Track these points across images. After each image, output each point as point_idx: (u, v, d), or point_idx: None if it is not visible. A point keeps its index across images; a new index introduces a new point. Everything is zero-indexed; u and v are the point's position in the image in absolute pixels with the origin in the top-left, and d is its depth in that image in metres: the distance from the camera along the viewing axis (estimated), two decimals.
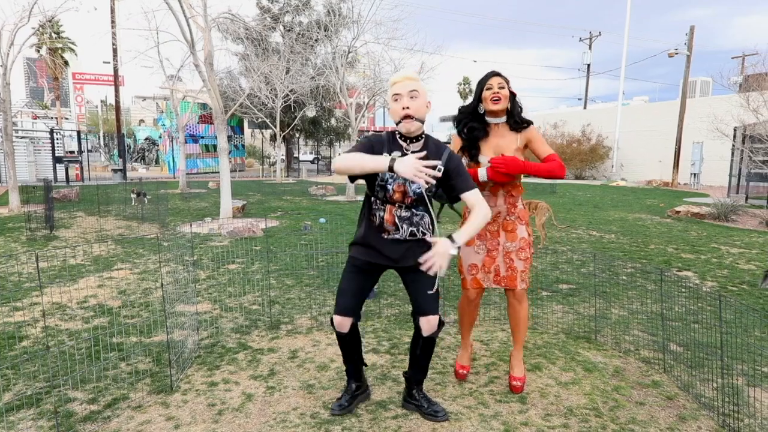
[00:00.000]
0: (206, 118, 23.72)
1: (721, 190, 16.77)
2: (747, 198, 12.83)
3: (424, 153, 2.17)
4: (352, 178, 2.26)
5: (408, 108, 2.11)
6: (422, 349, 2.31)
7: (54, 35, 31.11)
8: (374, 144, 2.21)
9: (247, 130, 28.96)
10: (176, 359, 2.85)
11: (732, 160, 14.20)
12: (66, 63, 32.64)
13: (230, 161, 18.45)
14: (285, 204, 11.71)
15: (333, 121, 25.67)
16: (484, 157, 2.55)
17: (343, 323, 2.30)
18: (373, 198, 2.27)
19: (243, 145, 27.70)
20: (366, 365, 2.56)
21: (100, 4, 16.62)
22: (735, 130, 13.53)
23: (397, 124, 2.17)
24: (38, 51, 31.51)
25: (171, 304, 3.90)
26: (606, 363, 3.00)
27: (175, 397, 2.55)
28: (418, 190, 2.18)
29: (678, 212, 10.00)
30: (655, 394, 2.62)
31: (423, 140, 2.23)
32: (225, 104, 11.45)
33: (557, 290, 4.55)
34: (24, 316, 3.74)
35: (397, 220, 2.22)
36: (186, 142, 18.53)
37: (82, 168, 18.84)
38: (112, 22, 18.41)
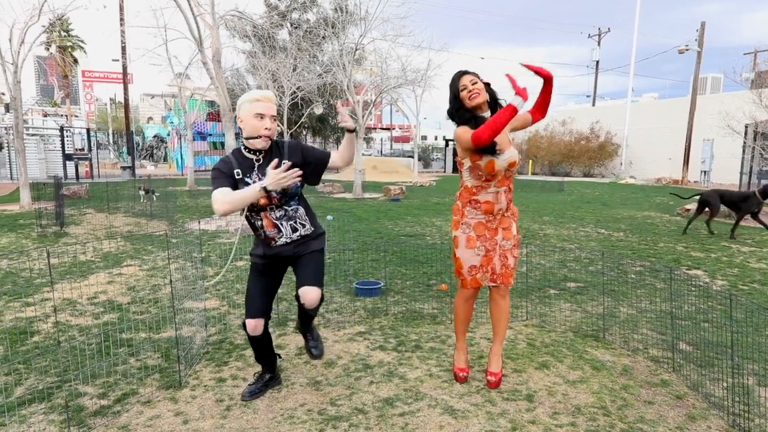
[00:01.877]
0: (214, 116, 23.82)
1: (732, 188, 16.59)
2: None
3: (275, 161, 2.23)
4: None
5: (269, 129, 2.29)
6: (306, 318, 2.48)
7: (63, 33, 31.35)
8: (226, 172, 2.29)
9: None
10: (185, 355, 2.87)
11: (743, 158, 14.02)
12: (75, 61, 32.90)
13: None
14: None
15: (340, 119, 25.69)
16: (500, 155, 2.49)
17: (257, 326, 2.42)
18: (248, 213, 2.40)
19: None
20: (280, 357, 2.76)
21: (108, 2, 16.75)
22: (746, 127, 13.36)
23: (249, 138, 2.30)
24: (48, 49, 31.77)
25: (179, 301, 3.92)
26: (614, 362, 2.98)
27: (183, 393, 2.57)
28: (278, 189, 2.26)
29: (688, 210, 9.91)
30: (664, 393, 2.61)
31: (269, 149, 2.36)
32: (232, 101, 11.49)
33: (565, 288, 4.52)
34: (35, 311, 3.78)
35: (275, 221, 2.36)
36: (194, 140, 18.63)
37: (91, 165, 19.02)
38: (121, 19, 18.53)
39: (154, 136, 33.53)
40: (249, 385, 2.59)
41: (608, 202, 12.16)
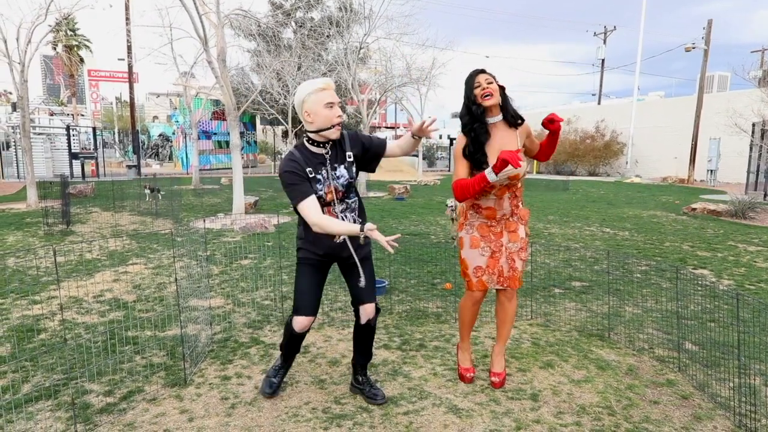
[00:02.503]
0: (219, 115, 23.88)
1: (739, 187, 16.46)
2: (765, 195, 12.58)
3: (371, 227, 2.16)
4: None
5: (341, 116, 2.23)
6: (364, 336, 2.47)
7: (70, 33, 31.52)
8: (301, 174, 2.22)
9: (259, 127, 29.13)
10: (190, 353, 2.88)
11: (750, 156, 13.92)
12: (81, 60, 33.06)
13: (242, 157, 18.56)
14: None
15: (345, 117, 25.70)
16: (488, 170, 2.42)
17: (307, 324, 2.40)
18: None
19: (255, 142, 27.86)
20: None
21: (114, 1, 16.80)
22: (754, 125, 13.26)
23: (323, 130, 2.21)
24: (55, 48, 31.95)
25: (184, 299, 3.94)
26: (619, 361, 2.97)
27: (188, 391, 2.59)
28: (346, 183, 2.31)
29: (694, 209, 9.85)
30: (669, 393, 2.59)
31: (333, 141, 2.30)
32: (237, 101, 11.52)
33: (570, 287, 4.51)
34: (42, 309, 3.81)
35: (339, 214, 2.34)
36: (199, 139, 18.70)
37: (97, 164, 19.11)
38: (127, 19, 18.61)
39: (160, 135, 33.66)
40: (267, 378, 2.55)
41: (613, 201, 12.10)
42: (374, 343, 3.21)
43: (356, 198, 2.41)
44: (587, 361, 2.96)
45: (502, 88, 2.51)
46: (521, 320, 3.68)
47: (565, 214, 9.68)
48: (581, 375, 2.78)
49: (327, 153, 2.28)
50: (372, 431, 2.22)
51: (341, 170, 2.32)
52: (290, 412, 2.38)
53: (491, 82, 2.45)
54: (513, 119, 2.53)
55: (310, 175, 2.25)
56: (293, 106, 18.85)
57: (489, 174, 2.32)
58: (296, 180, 2.21)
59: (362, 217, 2.44)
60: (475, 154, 2.48)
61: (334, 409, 2.42)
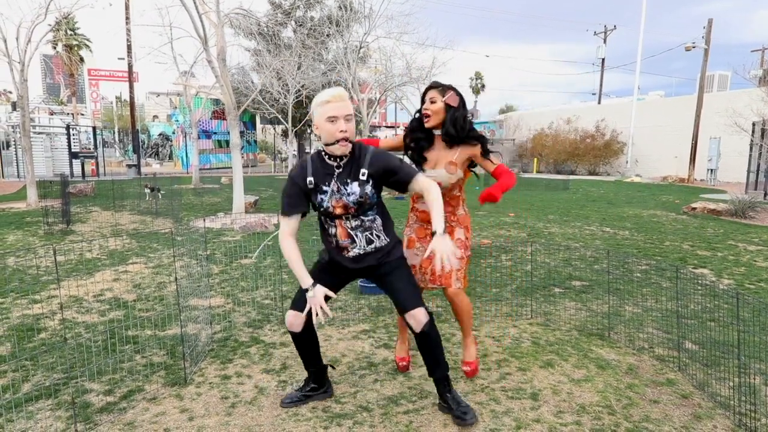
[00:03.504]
0: (219, 114, 23.89)
1: (739, 186, 16.46)
2: (766, 194, 12.58)
3: (319, 294, 2.20)
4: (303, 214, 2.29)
5: (345, 131, 2.12)
6: (424, 346, 2.27)
7: (70, 32, 31.51)
8: (298, 183, 2.21)
9: (259, 126, 29.14)
10: (190, 352, 2.88)
11: (750, 156, 13.92)
12: (81, 59, 33.06)
13: (242, 157, 18.56)
14: None
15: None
16: (428, 170, 2.57)
17: (295, 320, 2.28)
18: (322, 218, 2.30)
19: (255, 141, 27.88)
20: (333, 367, 2.63)
21: (114, 0, 16.81)
22: (754, 125, 13.25)
23: (329, 144, 2.16)
24: (55, 48, 31.94)
25: (185, 298, 3.94)
26: (619, 360, 2.97)
27: (188, 390, 2.59)
28: (356, 200, 2.20)
29: (694, 209, 9.85)
30: (669, 392, 2.60)
31: (349, 153, 2.22)
32: (237, 100, 11.51)
33: (570, 287, 4.51)
34: (42, 308, 3.81)
35: (350, 231, 2.25)
36: (199, 138, 18.70)
37: (97, 163, 19.12)
38: (127, 18, 18.60)
39: (160, 135, 33.67)
40: (293, 390, 2.50)
41: (613, 201, 12.10)
42: (374, 342, 3.21)
43: (375, 216, 2.26)
44: (587, 361, 2.96)
45: (448, 106, 2.53)
46: (521, 319, 3.68)
47: (565, 213, 9.68)
48: (581, 374, 2.78)
49: (337, 167, 2.20)
50: (372, 430, 2.22)
51: (353, 187, 2.19)
52: (290, 412, 2.38)
53: (434, 102, 2.53)
54: (449, 137, 2.54)
55: (310, 186, 2.20)
56: (293, 106, 18.87)
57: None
58: (291, 191, 2.21)
59: (389, 235, 2.31)
60: (414, 156, 2.66)
61: (334, 408, 2.42)
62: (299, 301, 2.31)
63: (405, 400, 2.48)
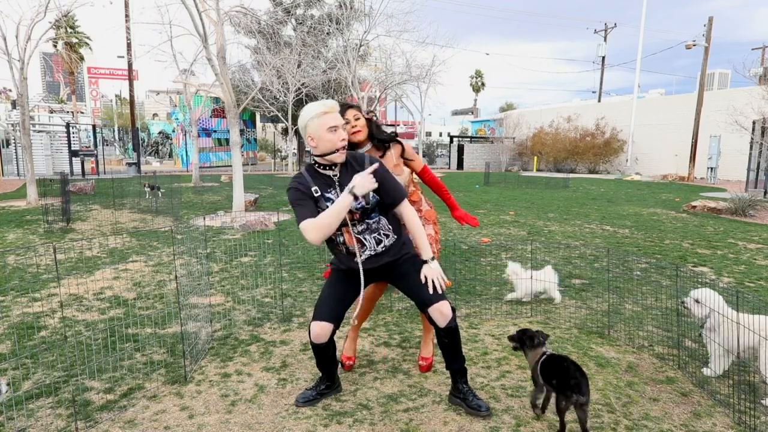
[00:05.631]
0: (219, 112, 23.87)
1: (739, 184, 16.46)
2: (766, 193, 12.58)
3: (375, 166, 2.24)
4: None
5: (344, 140, 2.18)
6: (447, 339, 2.28)
7: (69, 30, 31.45)
8: (304, 191, 2.21)
9: (259, 124, 29.12)
10: (190, 350, 2.89)
11: (750, 154, 13.91)
12: (81, 58, 33.00)
13: (242, 155, 18.56)
14: None
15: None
16: None
17: (322, 332, 2.26)
18: None
19: (255, 139, 27.85)
20: (343, 365, 2.67)
21: None
22: (754, 123, 13.25)
23: (326, 154, 2.18)
24: (56, 46, 31.89)
25: (185, 296, 3.94)
26: (619, 358, 2.97)
27: (189, 388, 2.59)
28: (358, 206, 2.21)
29: (694, 207, 9.85)
30: (669, 390, 2.60)
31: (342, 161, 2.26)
32: (237, 98, 11.50)
33: (570, 285, 4.51)
34: (42, 306, 3.81)
35: (358, 236, 2.26)
36: (199, 136, 18.68)
37: (97, 162, 19.10)
38: (126, 16, 18.57)
39: (160, 133, 33.65)
40: (306, 389, 2.48)
41: (613, 199, 12.10)
42: (374, 340, 3.21)
43: (379, 216, 2.28)
44: (587, 359, 2.96)
45: (369, 120, 2.67)
46: (521, 318, 3.68)
47: (565, 211, 9.68)
48: None
49: (335, 175, 2.23)
50: (372, 428, 2.22)
51: None
52: (290, 410, 2.38)
53: (358, 118, 2.62)
54: (380, 143, 2.68)
55: (316, 194, 2.20)
56: (293, 104, 18.86)
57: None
58: (298, 197, 2.18)
59: (396, 231, 2.32)
60: None
61: (334, 406, 2.42)
62: (323, 311, 2.27)
63: (405, 398, 2.49)
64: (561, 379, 2.09)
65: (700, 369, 2.80)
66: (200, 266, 4.90)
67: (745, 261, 5.50)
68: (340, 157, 2.19)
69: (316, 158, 2.22)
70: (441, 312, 2.22)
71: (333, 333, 2.31)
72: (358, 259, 2.27)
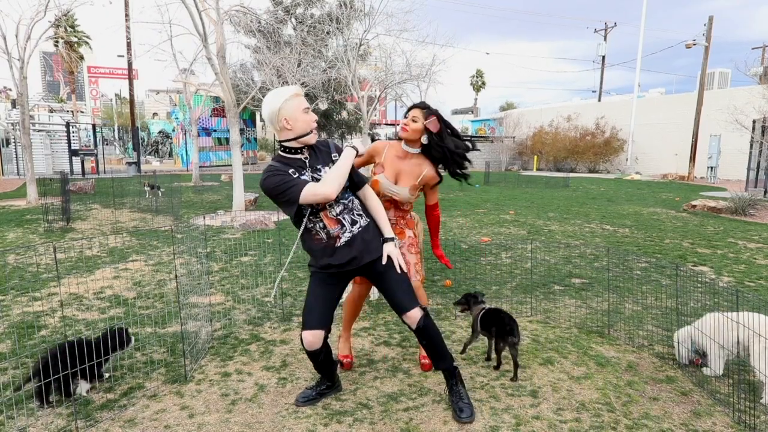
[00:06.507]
0: (219, 111, 23.85)
1: (739, 184, 16.46)
2: (766, 192, 12.58)
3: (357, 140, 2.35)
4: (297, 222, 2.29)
5: (316, 119, 2.25)
6: (424, 339, 2.33)
7: (69, 29, 31.43)
8: (283, 172, 2.20)
9: (259, 123, 29.08)
10: (190, 350, 2.89)
11: (750, 153, 13.91)
12: (81, 57, 32.98)
13: (242, 154, 18.54)
14: None
15: (345, 114, 25.68)
16: (391, 185, 2.69)
17: (315, 340, 2.27)
18: (305, 219, 2.26)
19: (255, 138, 27.83)
20: (342, 364, 2.66)
21: None
22: (754, 122, 13.25)
23: (301, 136, 2.21)
24: (55, 45, 31.87)
25: (185, 296, 3.94)
26: (619, 358, 2.97)
27: (189, 387, 2.59)
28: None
29: (694, 206, 9.85)
30: (669, 389, 2.60)
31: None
32: (237, 97, 11.50)
33: (570, 284, 4.51)
34: (42, 306, 3.81)
35: (337, 216, 2.26)
36: (199, 135, 18.68)
37: (97, 161, 19.09)
38: (126, 15, 18.56)
39: (159, 132, 33.63)
40: (306, 389, 2.49)
41: (613, 198, 12.10)
42: (374, 339, 3.22)
43: (351, 197, 2.32)
44: (587, 358, 2.96)
45: (428, 131, 2.65)
46: (521, 317, 3.68)
47: (565, 211, 9.68)
48: (581, 372, 2.79)
49: (306, 158, 2.26)
50: (372, 427, 2.23)
51: (326, 170, 2.26)
52: (290, 409, 2.39)
53: (416, 121, 2.66)
54: (433, 158, 2.72)
55: (294, 175, 2.21)
56: None
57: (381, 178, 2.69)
58: (285, 179, 2.16)
59: (368, 214, 2.35)
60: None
61: (334, 405, 2.42)
62: (312, 319, 2.28)
63: (405, 398, 2.49)
64: (498, 327, 2.69)
65: (699, 369, 2.80)
66: (200, 265, 4.90)
67: (745, 260, 5.50)
68: (313, 138, 2.25)
69: (286, 144, 2.23)
70: (411, 318, 2.28)
71: (325, 338, 2.32)
72: (340, 242, 2.26)
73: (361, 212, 2.34)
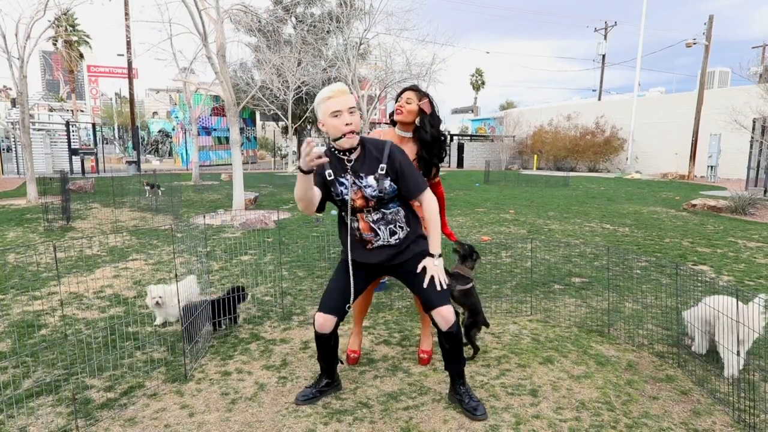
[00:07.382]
0: (219, 111, 23.85)
1: (739, 183, 16.46)
2: (766, 191, 12.58)
3: (318, 144, 2.14)
4: (319, 209, 2.26)
5: (351, 124, 2.12)
6: (448, 344, 2.29)
7: (69, 28, 31.40)
8: (319, 171, 2.20)
9: (259, 123, 29.09)
10: (190, 349, 2.89)
11: (750, 153, 13.92)
12: (81, 56, 32.96)
13: (242, 153, 18.55)
14: None
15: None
16: None
17: (326, 323, 2.28)
18: (343, 213, 2.29)
19: (255, 138, 27.82)
20: (341, 362, 2.62)
21: None
22: (754, 121, 13.25)
23: (336, 139, 2.17)
24: (55, 44, 31.84)
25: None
26: (619, 357, 2.98)
27: (189, 386, 2.59)
28: (374, 194, 2.21)
29: (694, 205, 9.85)
30: (668, 388, 2.60)
31: (359, 147, 2.23)
32: (237, 96, 11.50)
33: (570, 283, 4.51)
34: (42, 305, 3.81)
35: (372, 225, 2.25)
36: (199, 135, 18.67)
37: (97, 160, 19.09)
38: (126, 14, 18.54)
39: (159, 131, 33.63)
40: (306, 387, 2.48)
41: (613, 197, 12.10)
42: (374, 338, 3.22)
43: (398, 208, 2.27)
44: (587, 357, 2.96)
45: (422, 111, 2.66)
46: (521, 316, 3.68)
47: (565, 210, 9.68)
48: (581, 371, 2.79)
49: (348, 161, 2.21)
50: (372, 426, 2.23)
51: (369, 180, 2.20)
52: (290, 408, 2.39)
53: (410, 103, 2.64)
54: (422, 142, 2.66)
55: (330, 177, 2.22)
56: (293, 102, 18.84)
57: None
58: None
59: (411, 227, 2.31)
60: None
61: (334, 404, 2.42)
62: (328, 302, 2.29)
63: (405, 396, 2.49)
64: (471, 308, 2.88)
65: (700, 367, 2.80)
66: (200, 265, 4.90)
67: (745, 259, 5.51)
68: (346, 143, 2.14)
69: (333, 143, 2.23)
70: (443, 316, 2.23)
71: (336, 325, 2.33)
72: (372, 246, 2.27)
73: (405, 225, 2.30)
